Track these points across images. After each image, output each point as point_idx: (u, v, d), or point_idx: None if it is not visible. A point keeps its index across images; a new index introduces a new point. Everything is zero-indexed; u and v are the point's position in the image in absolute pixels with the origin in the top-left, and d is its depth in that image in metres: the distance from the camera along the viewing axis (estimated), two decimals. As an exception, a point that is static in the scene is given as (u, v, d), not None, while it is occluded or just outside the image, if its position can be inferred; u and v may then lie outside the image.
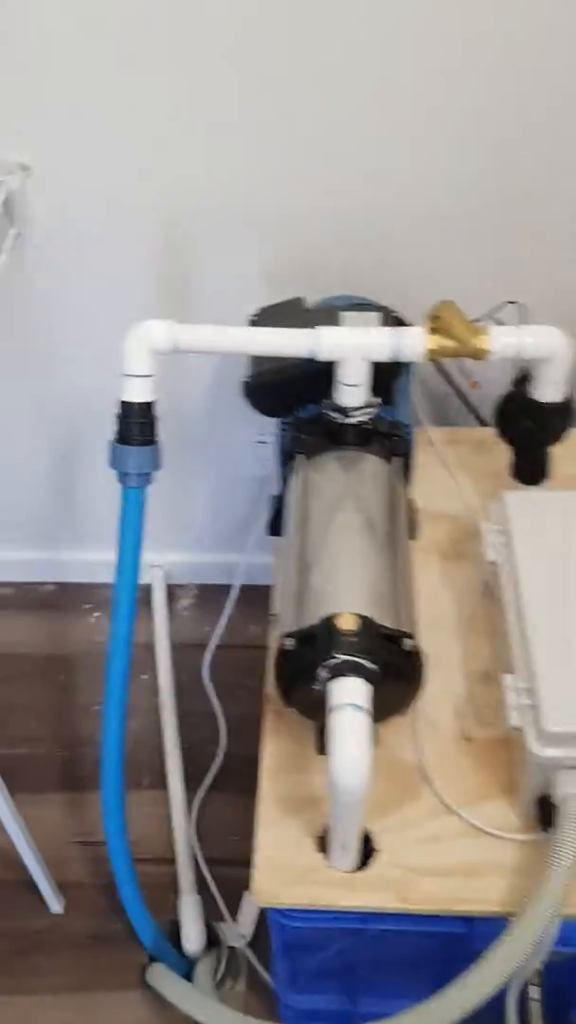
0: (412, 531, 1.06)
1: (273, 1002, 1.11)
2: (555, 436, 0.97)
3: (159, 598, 1.54)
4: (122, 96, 1.02)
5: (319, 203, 1.10)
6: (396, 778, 0.87)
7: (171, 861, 1.24)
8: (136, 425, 0.87)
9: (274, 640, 0.91)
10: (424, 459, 1.16)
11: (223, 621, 1.34)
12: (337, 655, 0.74)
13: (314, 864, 0.82)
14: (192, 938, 1.16)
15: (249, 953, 1.17)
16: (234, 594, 1.34)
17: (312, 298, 1.05)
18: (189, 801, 1.30)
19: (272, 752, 0.89)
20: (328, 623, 0.76)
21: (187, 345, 0.85)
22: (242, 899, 1.20)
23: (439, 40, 0.97)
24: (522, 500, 0.93)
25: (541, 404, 0.92)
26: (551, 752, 0.76)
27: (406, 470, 1.00)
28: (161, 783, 1.32)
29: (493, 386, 1.01)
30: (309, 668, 0.76)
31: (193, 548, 1.55)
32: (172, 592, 1.58)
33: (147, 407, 0.87)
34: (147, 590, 1.56)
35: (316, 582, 0.83)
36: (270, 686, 0.91)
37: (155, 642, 1.48)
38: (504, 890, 0.79)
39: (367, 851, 0.82)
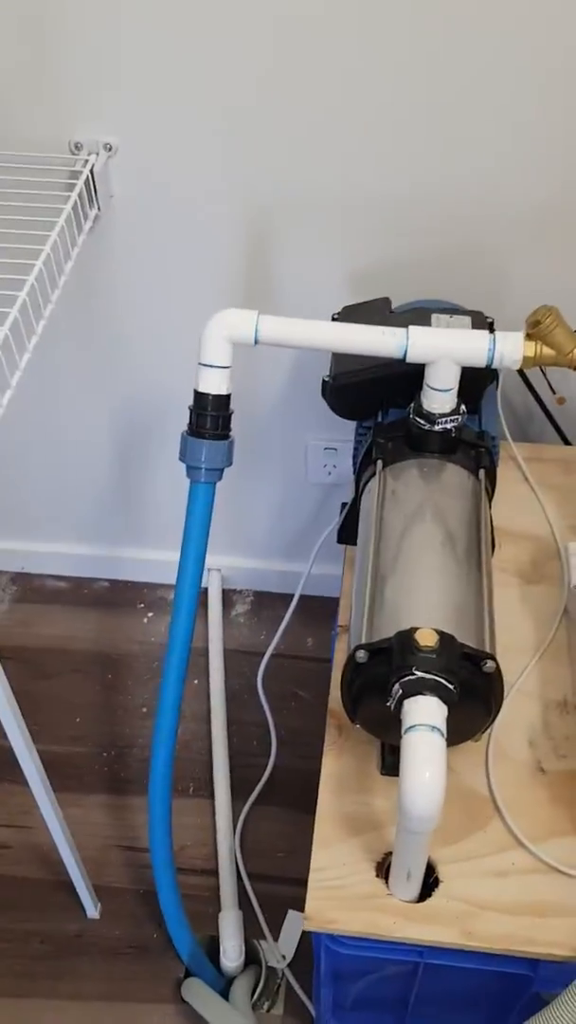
0: (490, 549, 1.01)
1: (312, 1031, 1.07)
2: None
3: (215, 602, 1.51)
4: (211, 80, 1.00)
5: (409, 203, 1.07)
6: (464, 806, 0.82)
7: (213, 873, 1.20)
8: (210, 418, 0.84)
9: (341, 652, 0.87)
10: (506, 475, 1.12)
11: (281, 629, 1.31)
12: (416, 671, 0.70)
13: (372, 890, 0.77)
14: (231, 954, 1.12)
15: (289, 974, 1.13)
16: (294, 603, 1.30)
17: (398, 302, 1.02)
18: (235, 812, 1.26)
19: (332, 769, 0.85)
20: (406, 637, 0.72)
21: (269, 337, 0.82)
22: (285, 918, 1.16)
23: (543, 35, 0.93)
24: (612, 521, 0.87)
25: None
26: None
27: (491, 484, 0.95)
28: (207, 792, 1.29)
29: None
30: (381, 683, 0.72)
31: (253, 553, 1.52)
32: (228, 597, 1.55)
33: (223, 400, 0.84)
34: (203, 593, 1.53)
35: (391, 595, 0.79)
36: (335, 701, 0.88)
37: (209, 647, 1.45)
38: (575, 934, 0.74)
39: (430, 881, 0.78)
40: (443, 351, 0.83)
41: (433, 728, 0.68)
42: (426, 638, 0.71)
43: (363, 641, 0.76)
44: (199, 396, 0.84)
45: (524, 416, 1.22)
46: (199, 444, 0.85)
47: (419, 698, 0.69)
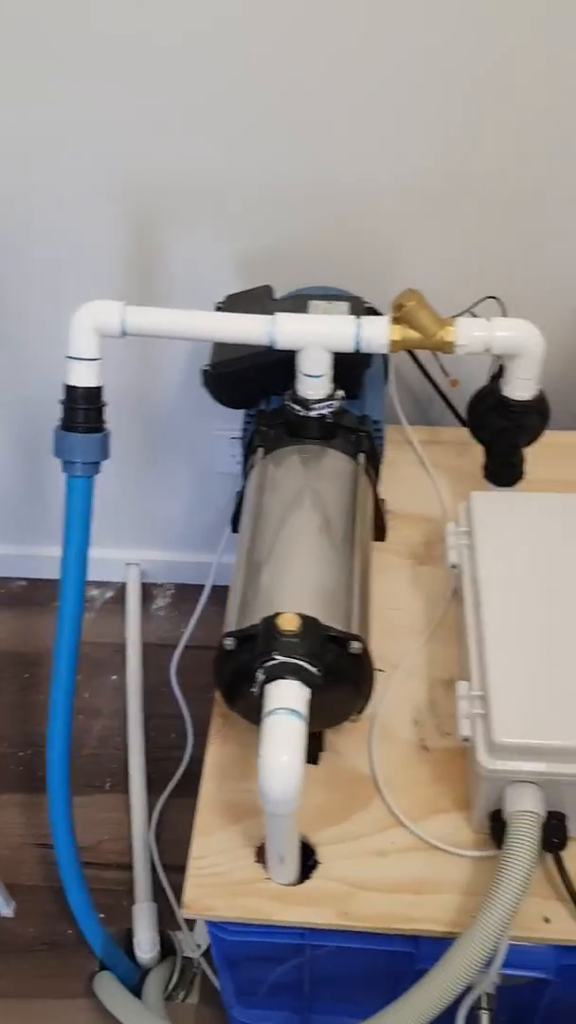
0: (381, 532, 1.02)
1: (226, 1015, 1.07)
2: (528, 436, 0.93)
3: (133, 597, 1.50)
4: (88, 71, 0.99)
5: (296, 189, 1.07)
6: (346, 787, 0.83)
7: (128, 867, 1.20)
8: (81, 411, 0.83)
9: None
10: (403, 458, 1.13)
11: (193, 622, 1.30)
12: (276, 656, 0.70)
13: (251, 876, 0.77)
14: (144, 946, 1.12)
15: (204, 964, 1.13)
16: (206, 594, 1.30)
17: (288, 289, 1.02)
18: (151, 806, 1.26)
19: (216, 758, 0.85)
20: (269, 623, 0.72)
21: (136, 328, 0.81)
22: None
23: (423, 29, 0.93)
24: (488, 501, 0.88)
25: (512, 402, 0.88)
26: (500, 765, 0.71)
27: (374, 468, 0.96)
28: (124, 787, 1.29)
29: (475, 384, 0.97)
30: (249, 670, 0.72)
31: (170, 546, 1.52)
32: (149, 591, 1.54)
33: (94, 392, 0.83)
34: (123, 588, 1.53)
35: (264, 581, 0.79)
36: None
37: (126, 642, 1.45)
38: (453, 909, 0.75)
39: (310, 863, 0.78)
40: (311, 337, 0.83)
41: (292, 711, 0.68)
42: (288, 623, 0.72)
43: (233, 628, 0.76)
44: (69, 390, 0.83)
45: (424, 399, 1.23)
46: (71, 438, 0.84)
47: (280, 682, 0.69)
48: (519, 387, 0.87)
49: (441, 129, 1.01)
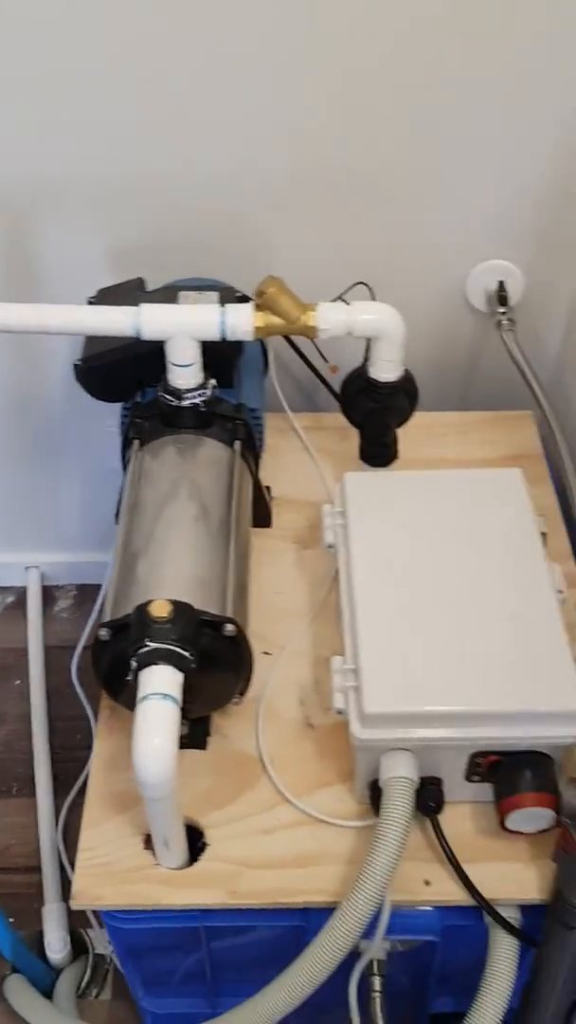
0: (266, 519, 1.04)
1: (138, 1009, 1.08)
2: (398, 416, 0.95)
3: (34, 600, 1.49)
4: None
5: (167, 180, 1.07)
6: (233, 770, 0.84)
7: (37, 869, 1.20)
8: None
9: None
10: (287, 445, 1.15)
11: (91, 622, 1.30)
12: (148, 643, 0.71)
13: (140, 863, 0.78)
14: (55, 946, 1.12)
15: (116, 960, 1.13)
16: (103, 593, 1.29)
17: (164, 282, 1.02)
18: (58, 807, 1.25)
19: (102, 750, 0.86)
20: (141, 611, 0.73)
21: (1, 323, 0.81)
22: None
23: (279, 20, 0.94)
24: (360, 481, 0.91)
25: (379, 383, 0.91)
26: (371, 734, 0.74)
27: (253, 455, 0.97)
28: (31, 790, 1.28)
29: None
30: (125, 659, 0.73)
31: (70, 547, 1.50)
32: (51, 593, 1.53)
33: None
34: (24, 593, 1.52)
35: (139, 572, 0.80)
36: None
37: (28, 646, 1.44)
38: (339, 880, 0.77)
39: (200, 846, 0.79)
40: (176, 326, 0.84)
41: (165, 696, 0.69)
42: (159, 609, 0.72)
43: (108, 619, 0.77)
44: None
45: (309, 387, 1.24)
46: None
47: (152, 668, 0.70)
48: (384, 368, 0.89)
49: (304, 119, 1.03)
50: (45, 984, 1.11)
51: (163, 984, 0.97)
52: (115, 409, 1.17)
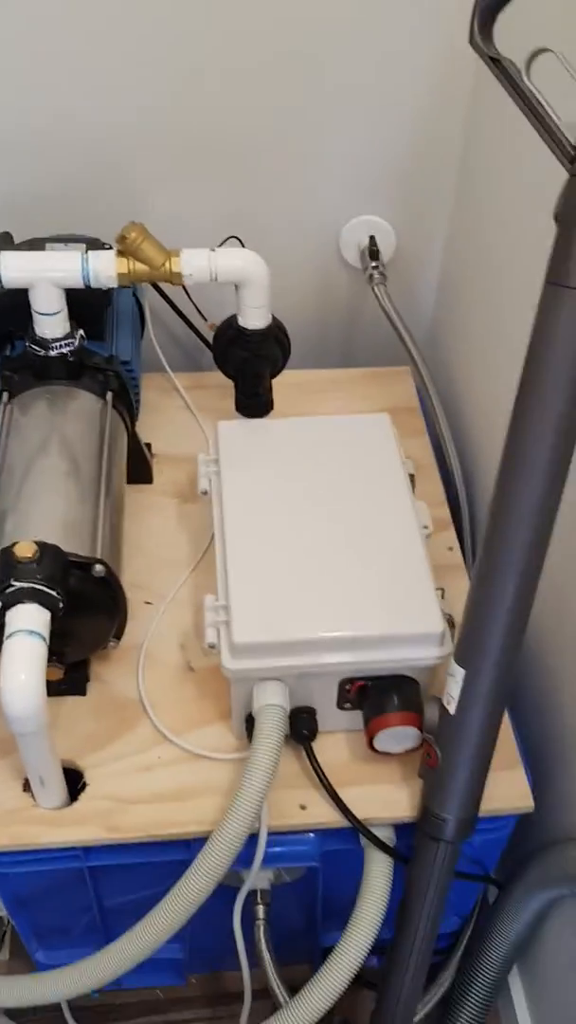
0: (146, 475, 1.05)
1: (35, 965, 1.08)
2: (270, 365, 0.97)
3: None
4: None
5: (37, 133, 1.06)
6: (114, 713, 0.85)
7: None
8: None
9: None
10: (170, 404, 1.16)
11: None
12: (13, 583, 0.72)
13: (19, 805, 0.79)
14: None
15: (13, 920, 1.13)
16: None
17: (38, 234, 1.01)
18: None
19: (-19, 698, 0.85)
20: (6, 552, 0.73)
21: None
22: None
23: None
24: (233, 429, 0.93)
25: (248, 331, 0.92)
26: (241, 664, 0.76)
27: (127, 408, 0.98)
28: None
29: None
30: (-7, 601, 0.73)
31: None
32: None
33: None
34: None
35: (8, 522, 0.80)
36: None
37: None
38: (217, 810, 0.79)
39: (80, 787, 0.80)
40: (38, 273, 0.84)
41: (31, 632, 0.70)
42: (24, 550, 0.73)
43: (-23, 565, 0.77)
44: None
45: (192, 348, 1.25)
46: None
47: (19, 607, 0.71)
48: (252, 316, 0.91)
49: (175, 76, 1.03)
50: None
51: (56, 936, 0.98)
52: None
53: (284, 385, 1.03)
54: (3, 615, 0.71)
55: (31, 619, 0.70)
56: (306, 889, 0.89)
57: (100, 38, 1.00)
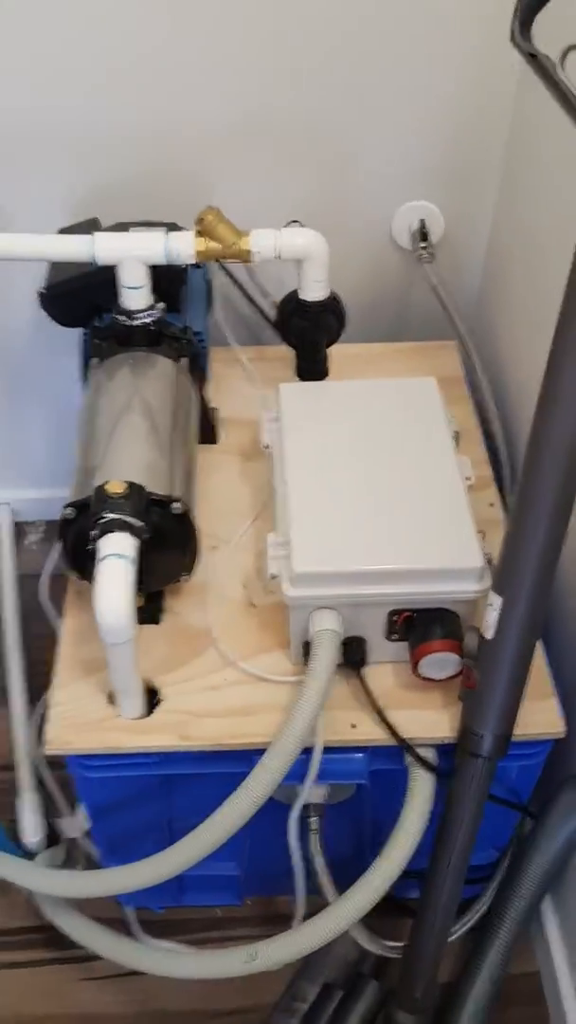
0: (212, 436, 1.15)
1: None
2: (327, 334, 1.07)
3: (5, 534, 1.59)
4: None
5: (120, 132, 1.17)
6: (185, 641, 0.96)
7: (12, 768, 1.30)
8: None
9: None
10: (234, 374, 1.26)
11: (56, 551, 1.40)
12: (106, 515, 0.82)
13: (104, 715, 0.90)
14: (29, 831, 1.22)
15: (87, 843, 1.24)
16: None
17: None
18: (30, 714, 1.36)
19: (71, 624, 0.97)
20: (99, 489, 0.84)
21: (-32, 249, 0.92)
22: (81, 795, 1.28)
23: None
24: (293, 389, 1.03)
25: (308, 303, 1.02)
26: (299, 592, 0.85)
27: (199, 372, 1.08)
28: (5, 700, 1.38)
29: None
30: (86, 533, 0.84)
31: (39, 483, 1.61)
32: (21, 529, 1.64)
33: None
34: (-4, 529, 1.62)
35: (98, 465, 0.91)
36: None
37: (1, 575, 1.54)
38: (276, 724, 0.88)
39: (155, 702, 0.91)
40: (126, 251, 0.95)
41: (121, 556, 0.80)
42: (115, 487, 0.84)
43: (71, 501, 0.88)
44: None
45: (255, 324, 1.35)
46: None
47: (110, 535, 0.82)
48: (312, 289, 1.00)
49: (243, 78, 1.13)
50: (23, 867, 1.22)
51: (128, 848, 1.08)
52: (76, 348, 1.28)
53: (339, 356, 1.12)
54: (96, 541, 0.82)
55: (121, 545, 0.81)
56: (355, 811, 0.99)
57: (176, 43, 1.10)
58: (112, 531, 0.82)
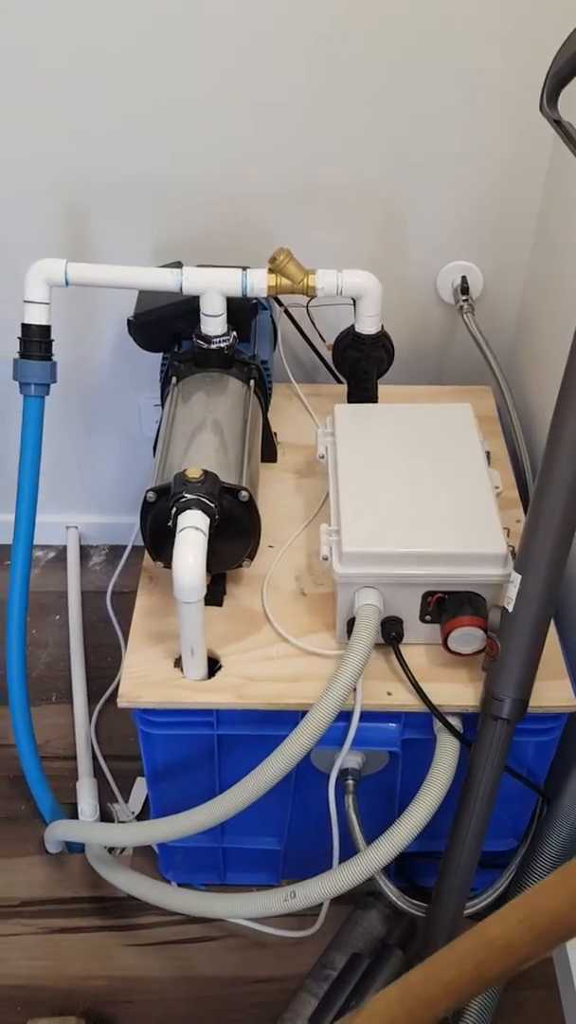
0: (272, 455, 1.30)
1: (155, 866, 1.29)
2: (377, 365, 1.22)
3: (73, 554, 1.74)
4: (21, 78, 1.26)
5: (202, 190, 1.36)
6: (243, 620, 1.09)
7: (73, 757, 1.42)
8: (35, 343, 1.09)
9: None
10: (292, 407, 1.41)
11: (120, 567, 1.56)
12: (185, 495, 0.97)
13: (171, 676, 1.02)
14: (87, 812, 1.34)
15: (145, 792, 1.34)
16: (131, 545, 1.54)
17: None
18: (91, 712, 1.48)
19: (144, 604, 1.10)
20: (179, 475, 0.99)
21: (76, 278, 1.09)
22: (134, 784, 1.39)
23: (306, 34, 1.22)
24: (346, 409, 1.18)
25: (362, 336, 1.18)
26: (347, 569, 0.98)
27: (264, 394, 1.24)
28: (68, 699, 1.51)
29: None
30: (166, 517, 0.98)
31: (104, 509, 1.76)
32: (86, 552, 1.79)
33: (45, 329, 1.10)
34: (63, 550, 1.77)
35: (176, 459, 1.06)
36: (147, 560, 1.13)
37: (68, 589, 1.68)
38: (321, 690, 1.00)
39: (216, 668, 1.03)
40: (208, 283, 1.12)
41: (196, 528, 0.94)
42: (193, 473, 0.98)
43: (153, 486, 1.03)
44: (26, 327, 1.10)
45: (309, 365, 1.51)
46: (28, 365, 1.10)
47: (187, 512, 0.96)
48: (366, 323, 1.16)
49: (300, 139, 1.31)
50: (76, 850, 1.33)
51: (179, 811, 1.19)
52: (151, 384, 1.43)
53: (384, 396, 1.27)
54: (175, 518, 0.96)
55: (197, 519, 0.95)
56: (386, 782, 1.09)
57: (241, 119, 1.29)
58: (189, 508, 0.96)
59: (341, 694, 0.95)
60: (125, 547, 1.66)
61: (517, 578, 0.92)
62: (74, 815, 1.36)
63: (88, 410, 1.63)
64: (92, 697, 1.52)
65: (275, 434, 1.31)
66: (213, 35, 1.22)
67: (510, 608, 0.93)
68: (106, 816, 1.37)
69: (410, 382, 1.44)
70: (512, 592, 0.92)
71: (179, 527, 0.95)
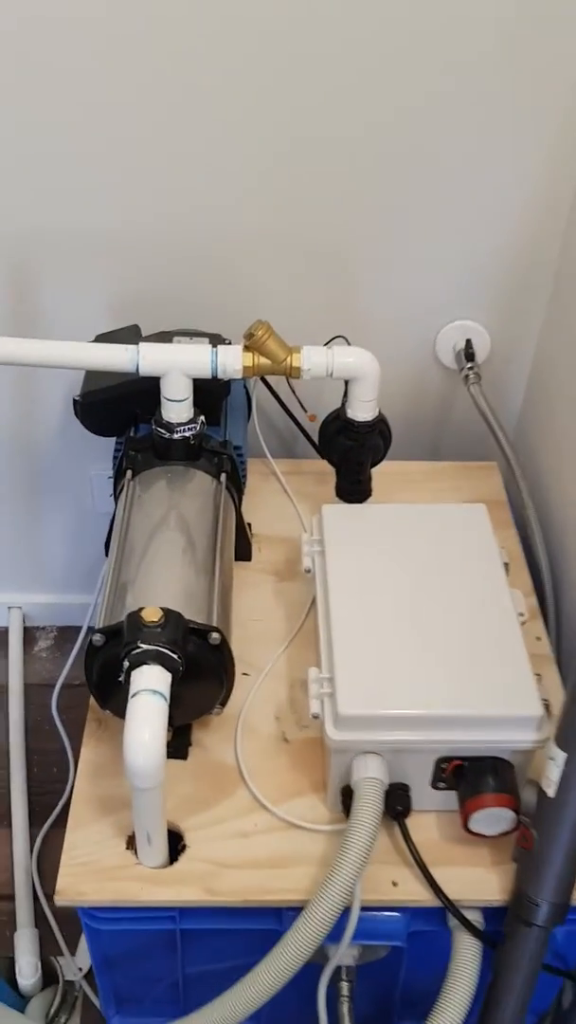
0: (247, 553, 1.10)
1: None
2: (371, 454, 1.03)
3: (15, 640, 1.53)
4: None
5: (162, 240, 1.16)
6: (212, 778, 0.89)
7: (11, 897, 1.21)
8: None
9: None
10: (268, 488, 1.22)
11: (71, 661, 1.35)
12: (140, 645, 0.76)
13: (122, 862, 0.82)
14: (25, 971, 1.13)
15: (86, 986, 1.14)
16: (83, 633, 1.34)
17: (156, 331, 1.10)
18: (33, 837, 1.27)
19: (89, 757, 0.90)
20: (133, 616, 0.79)
21: (6, 356, 0.89)
22: (83, 933, 1.18)
23: (272, 76, 1.04)
24: (336, 512, 0.98)
25: (356, 423, 0.98)
26: (344, 735, 0.79)
27: (237, 489, 1.04)
28: (7, 821, 1.30)
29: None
30: (116, 663, 0.78)
31: (52, 588, 1.55)
32: (31, 634, 1.57)
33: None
34: (5, 633, 1.56)
35: (131, 587, 0.86)
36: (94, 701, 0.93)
37: (8, 683, 1.47)
38: (311, 880, 0.81)
39: (180, 848, 0.83)
40: (171, 363, 0.91)
41: (154, 692, 0.74)
42: (151, 614, 0.78)
43: (101, 627, 0.82)
44: None
45: (288, 436, 1.32)
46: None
47: (143, 667, 0.76)
48: (361, 409, 0.97)
49: (291, 195, 1.12)
50: (17, 1010, 1.12)
51: (136, 1001, 0.99)
52: (103, 454, 1.24)
53: (377, 474, 1.08)
54: (127, 674, 0.76)
55: (155, 679, 0.75)
56: (386, 972, 0.90)
57: (222, 173, 1.10)
58: (146, 663, 0.76)
59: (338, 901, 0.75)
60: (76, 628, 1.45)
61: (561, 756, 0.73)
62: (11, 971, 1.15)
63: (34, 479, 1.42)
64: (35, 819, 1.31)
65: (249, 525, 1.11)
66: (182, 85, 1.03)
67: (551, 792, 0.74)
68: (49, 973, 1.16)
69: (403, 455, 1.24)
70: (554, 774, 0.73)
71: (132, 689, 0.75)
